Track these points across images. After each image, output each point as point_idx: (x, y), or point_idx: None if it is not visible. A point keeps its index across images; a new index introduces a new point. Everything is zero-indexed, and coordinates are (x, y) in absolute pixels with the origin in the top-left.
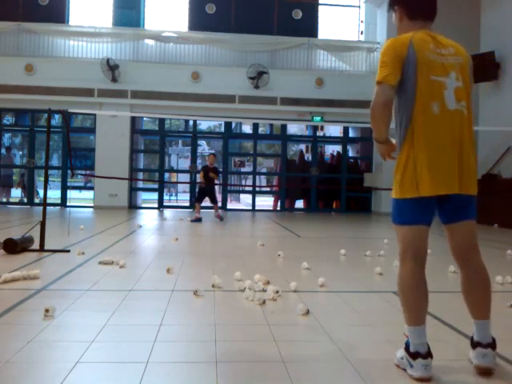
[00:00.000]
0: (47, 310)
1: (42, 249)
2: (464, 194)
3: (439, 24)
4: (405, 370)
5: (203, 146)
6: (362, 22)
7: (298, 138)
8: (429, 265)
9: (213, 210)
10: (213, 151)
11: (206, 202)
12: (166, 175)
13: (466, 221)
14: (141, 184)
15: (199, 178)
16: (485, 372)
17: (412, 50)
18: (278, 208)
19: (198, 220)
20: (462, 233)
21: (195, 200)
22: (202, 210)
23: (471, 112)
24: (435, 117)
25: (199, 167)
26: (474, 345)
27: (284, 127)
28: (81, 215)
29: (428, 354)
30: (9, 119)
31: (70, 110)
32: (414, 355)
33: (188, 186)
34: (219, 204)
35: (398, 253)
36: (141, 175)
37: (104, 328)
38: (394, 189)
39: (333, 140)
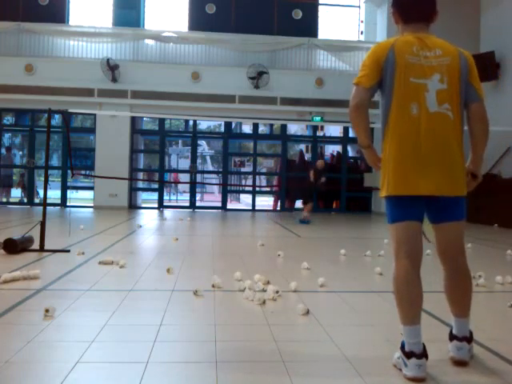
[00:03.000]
0: (47, 310)
1: (42, 249)
2: (444, 195)
3: (439, 24)
4: (401, 370)
5: (203, 146)
6: (362, 21)
7: (297, 138)
8: (429, 265)
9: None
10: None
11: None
12: (167, 175)
13: (451, 222)
14: (141, 184)
15: (311, 177)
16: (459, 364)
17: (392, 53)
18: (278, 208)
19: (308, 222)
20: (447, 234)
21: (306, 200)
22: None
23: (459, 114)
24: (413, 118)
25: (199, 167)
26: (451, 337)
27: (284, 127)
28: (81, 215)
29: (422, 355)
30: (9, 119)
31: (70, 110)
32: (409, 354)
33: (188, 186)
34: (219, 204)
35: (392, 253)
36: (141, 175)
37: (104, 328)
38: None
39: (333, 140)
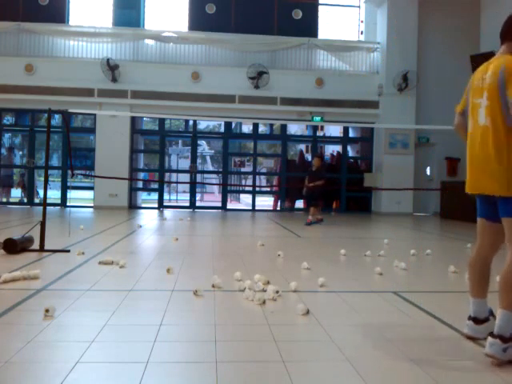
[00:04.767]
0: (47, 310)
1: (42, 249)
2: (486, 194)
3: (439, 24)
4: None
5: (203, 146)
6: (362, 21)
7: (297, 138)
8: (429, 265)
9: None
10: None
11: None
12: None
13: (501, 218)
14: (141, 184)
15: (306, 181)
16: (490, 357)
17: (471, 81)
18: (278, 208)
19: (314, 223)
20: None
21: (311, 204)
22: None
23: (496, 124)
24: (472, 130)
25: (199, 167)
26: (488, 333)
27: (284, 127)
28: (81, 215)
29: (479, 321)
30: (9, 119)
31: (70, 110)
32: (469, 317)
33: (188, 186)
34: (219, 204)
35: None
36: (141, 175)
37: (104, 328)
38: None
39: (333, 140)
